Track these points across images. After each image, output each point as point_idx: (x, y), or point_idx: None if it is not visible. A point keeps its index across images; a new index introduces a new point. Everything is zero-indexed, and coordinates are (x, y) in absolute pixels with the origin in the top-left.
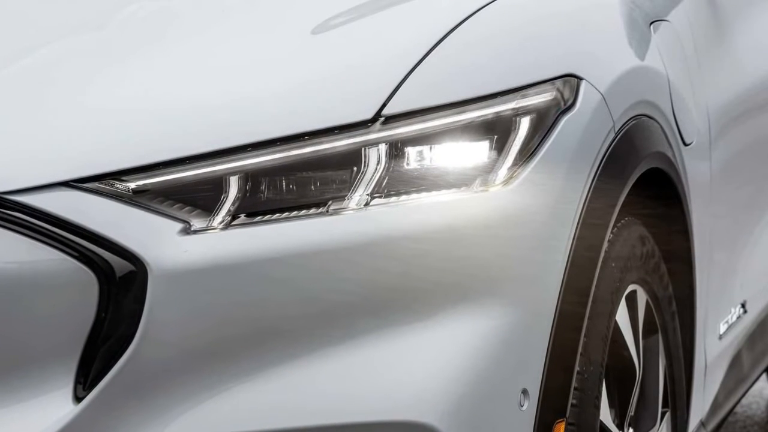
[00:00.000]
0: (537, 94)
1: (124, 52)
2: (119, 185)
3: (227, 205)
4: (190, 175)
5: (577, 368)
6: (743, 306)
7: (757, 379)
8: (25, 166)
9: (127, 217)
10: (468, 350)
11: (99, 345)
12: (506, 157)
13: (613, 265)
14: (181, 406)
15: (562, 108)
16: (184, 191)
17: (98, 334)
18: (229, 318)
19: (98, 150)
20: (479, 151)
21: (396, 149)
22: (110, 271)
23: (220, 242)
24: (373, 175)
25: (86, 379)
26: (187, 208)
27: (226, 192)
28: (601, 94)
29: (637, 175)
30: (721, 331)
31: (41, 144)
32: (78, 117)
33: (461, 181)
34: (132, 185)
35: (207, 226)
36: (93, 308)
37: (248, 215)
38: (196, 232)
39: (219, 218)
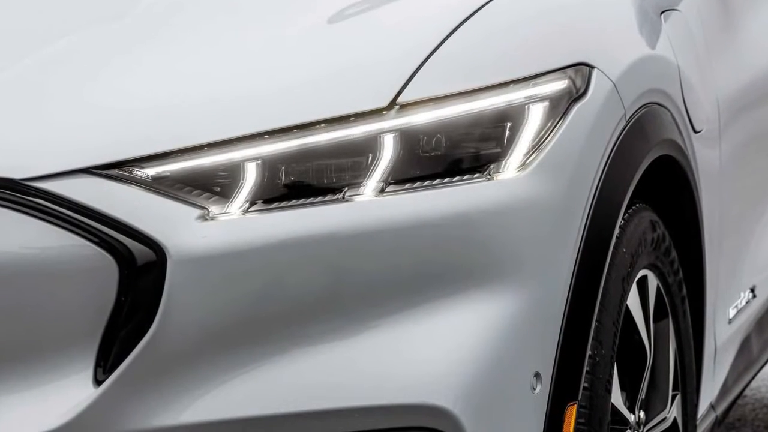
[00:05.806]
0: (549, 82)
1: (142, 42)
2: (139, 172)
3: (245, 192)
4: (208, 162)
5: (588, 352)
6: (752, 291)
7: (766, 362)
8: (46, 153)
9: (147, 204)
10: (480, 334)
11: (119, 329)
12: (519, 145)
13: (624, 250)
14: (200, 388)
15: (574, 96)
16: (202, 178)
17: (118, 318)
18: (246, 302)
19: (118, 137)
20: (492, 138)
21: (410, 137)
22: (130, 257)
23: (237, 228)
24: (388, 163)
25: (106, 362)
26: (206, 194)
27: (244, 179)
28: (613, 83)
29: (648, 162)
30: (731, 316)
31: (62, 132)
32: (98, 105)
33: (474, 168)
34: (151, 172)
35: (225, 212)
36: (113, 293)
37: (265, 201)
38: (214, 218)
39: (237, 204)
